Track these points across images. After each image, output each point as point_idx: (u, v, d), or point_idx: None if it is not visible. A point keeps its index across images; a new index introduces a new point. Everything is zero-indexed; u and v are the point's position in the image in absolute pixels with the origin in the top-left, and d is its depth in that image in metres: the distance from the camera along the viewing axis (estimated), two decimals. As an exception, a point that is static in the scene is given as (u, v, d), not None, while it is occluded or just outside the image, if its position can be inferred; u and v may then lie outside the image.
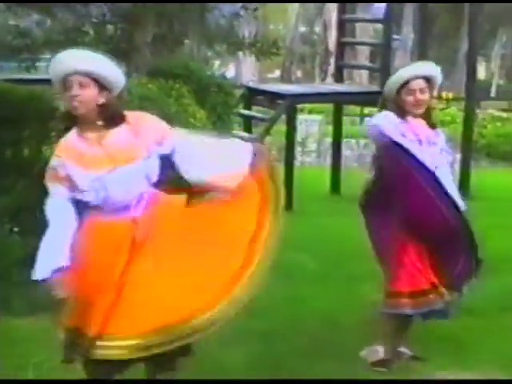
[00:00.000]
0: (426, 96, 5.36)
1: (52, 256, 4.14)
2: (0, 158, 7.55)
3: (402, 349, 5.54)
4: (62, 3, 11.45)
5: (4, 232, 6.59)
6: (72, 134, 4.32)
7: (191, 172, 4.36)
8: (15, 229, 6.65)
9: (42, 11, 11.87)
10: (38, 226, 6.75)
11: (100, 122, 4.28)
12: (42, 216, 6.77)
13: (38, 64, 12.80)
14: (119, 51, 11.13)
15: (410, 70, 5.40)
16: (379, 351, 5.45)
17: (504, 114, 20.50)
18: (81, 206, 4.31)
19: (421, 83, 5.31)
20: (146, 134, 4.32)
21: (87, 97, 4.24)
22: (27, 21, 12.53)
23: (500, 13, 34.26)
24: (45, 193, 4.34)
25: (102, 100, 4.27)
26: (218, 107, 8.74)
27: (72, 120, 4.33)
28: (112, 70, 4.35)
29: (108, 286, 4.18)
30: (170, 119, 7.09)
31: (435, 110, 6.14)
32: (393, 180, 5.31)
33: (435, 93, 5.79)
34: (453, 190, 5.43)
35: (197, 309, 4.20)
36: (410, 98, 5.31)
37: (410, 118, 5.37)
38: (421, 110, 5.36)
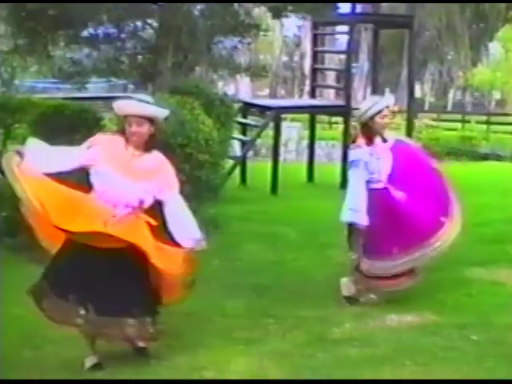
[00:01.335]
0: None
1: None
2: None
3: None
4: (104, 40, 11.37)
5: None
6: (120, 141, 4.23)
7: (174, 230, 4.25)
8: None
9: (89, 46, 11.77)
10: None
11: (139, 150, 4.21)
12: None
13: (86, 85, 12.74)
14: (147, 75, 11.12)
15: (386, 101, 5.39)
16: (351, 288, 5.45)
17: (434, 123, 21.06)
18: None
19: (387, 111, 5.32)
20: (160, 177, 4.24)
21: (143, 132, 4.20)
22: (79, 54, 12.43)
23: (429, 49, 34.60)
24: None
25: (151, 131, 4.22)
26: (221, 116, 8.68)
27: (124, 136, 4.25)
28: (161, 111, 4.30)
29: None
30: (185, 125, 7.05)
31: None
32: None
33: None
34: None
35: None
36: (382, 122, 5.29)
37: (377, 141, 5.33)
38: (384, 131, 5.36)
